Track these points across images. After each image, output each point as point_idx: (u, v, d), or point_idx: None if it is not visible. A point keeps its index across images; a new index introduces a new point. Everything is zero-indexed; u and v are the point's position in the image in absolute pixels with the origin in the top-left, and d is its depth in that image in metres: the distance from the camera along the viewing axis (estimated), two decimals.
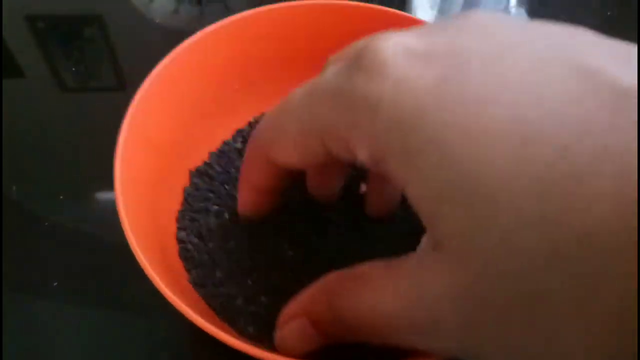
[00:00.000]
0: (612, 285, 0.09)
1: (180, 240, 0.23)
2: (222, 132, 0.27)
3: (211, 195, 0.24)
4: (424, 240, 0.13)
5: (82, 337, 0.24)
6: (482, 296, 0.11)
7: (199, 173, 0.26)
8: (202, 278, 0.21)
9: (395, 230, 0.22)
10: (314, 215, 0.22)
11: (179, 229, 0.23)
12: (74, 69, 0.35)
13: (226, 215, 0.24)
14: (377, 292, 0.13)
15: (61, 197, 0.28)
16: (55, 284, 0.25)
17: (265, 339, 0.19)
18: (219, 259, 0.22)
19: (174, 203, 0.24)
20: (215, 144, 0.27)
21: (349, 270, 0.14)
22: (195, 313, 0.16)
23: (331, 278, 0.15)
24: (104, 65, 0.36)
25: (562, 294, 0.10)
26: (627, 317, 0.09)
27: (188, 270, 0.22)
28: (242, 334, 0.20)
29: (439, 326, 0.12)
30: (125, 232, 0.18)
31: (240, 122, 0.28)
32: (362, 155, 0.13)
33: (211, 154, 0.26)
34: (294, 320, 0.16)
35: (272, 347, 0.17)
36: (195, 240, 0.23)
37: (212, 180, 0.25)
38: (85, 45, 0.37)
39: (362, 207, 0.22)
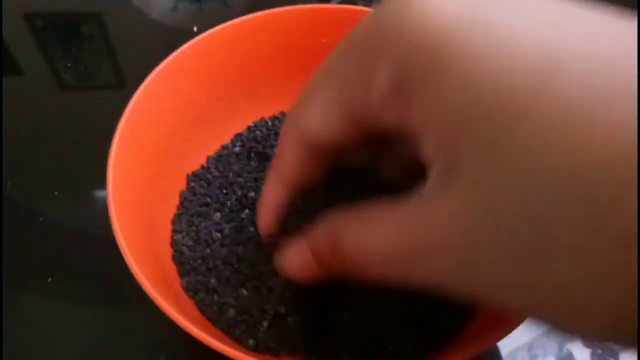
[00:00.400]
0: (623, 215, 0.09)
1: (174, 243, 0.23)
2: (221, 136, 0.27)
3: (208, 199, 0.24)
4: (431, 174, 0.13)
5: (80, 337, 0.23)
6: (493, 217, 0.11)
7: (196, 177, 0.25)
8: (195, 284, 0.21)
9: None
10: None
11: (175, 231, 0.23)
12: (72, 66, 0.35)
13: (223, 220, 0.23)
14: (378, 225, 0.13)
15: (56, 193, 0.28)
16: (49, 280, 0.25)
17: (266, 351, 0.19)
18: (213, 265, 0.21)
19: (169, 207, 0.24)
20: (213, 148, 0.26)
21: (354, 208, 0.15)
22: (191, 322, 0.16)
23: (336, 215, 0.15)
24: (103, 63, 0.36)
25: (575, 220, 0.10)
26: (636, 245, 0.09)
27: (181, 275, 0.22)
28: (240, 343, 0.19)
29: (436, 254, 0.12)
30: (118, 241, 0.18)
31: (239, 127, 0.27)
32: (382, 82, 0.13)
33: (209, 158, 0.26)
34: (297, 244, 0.16)
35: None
36: (191, 243, 0.23)
37: (210, 185, 0.25)
38: (83, 43, 0.37)
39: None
